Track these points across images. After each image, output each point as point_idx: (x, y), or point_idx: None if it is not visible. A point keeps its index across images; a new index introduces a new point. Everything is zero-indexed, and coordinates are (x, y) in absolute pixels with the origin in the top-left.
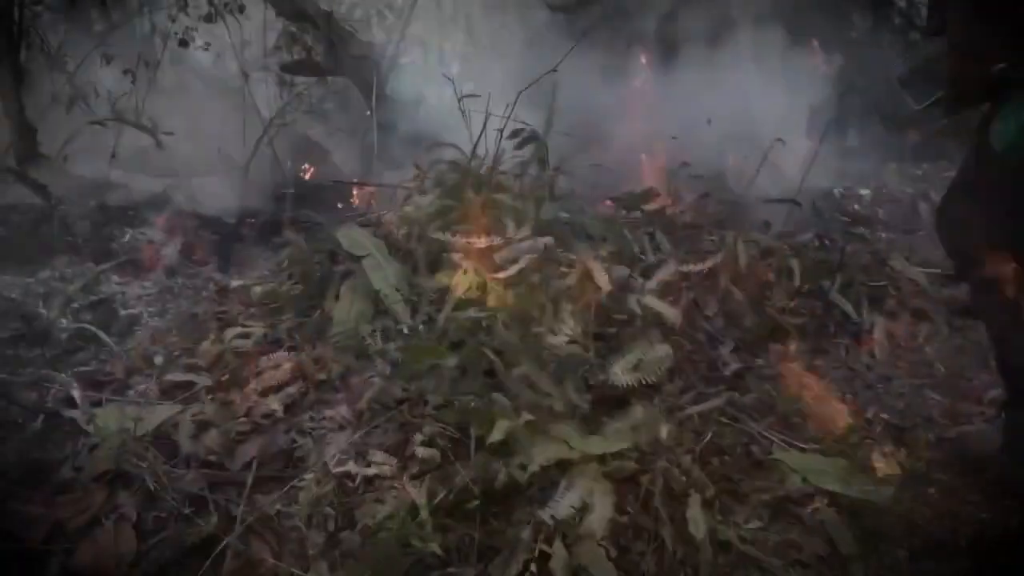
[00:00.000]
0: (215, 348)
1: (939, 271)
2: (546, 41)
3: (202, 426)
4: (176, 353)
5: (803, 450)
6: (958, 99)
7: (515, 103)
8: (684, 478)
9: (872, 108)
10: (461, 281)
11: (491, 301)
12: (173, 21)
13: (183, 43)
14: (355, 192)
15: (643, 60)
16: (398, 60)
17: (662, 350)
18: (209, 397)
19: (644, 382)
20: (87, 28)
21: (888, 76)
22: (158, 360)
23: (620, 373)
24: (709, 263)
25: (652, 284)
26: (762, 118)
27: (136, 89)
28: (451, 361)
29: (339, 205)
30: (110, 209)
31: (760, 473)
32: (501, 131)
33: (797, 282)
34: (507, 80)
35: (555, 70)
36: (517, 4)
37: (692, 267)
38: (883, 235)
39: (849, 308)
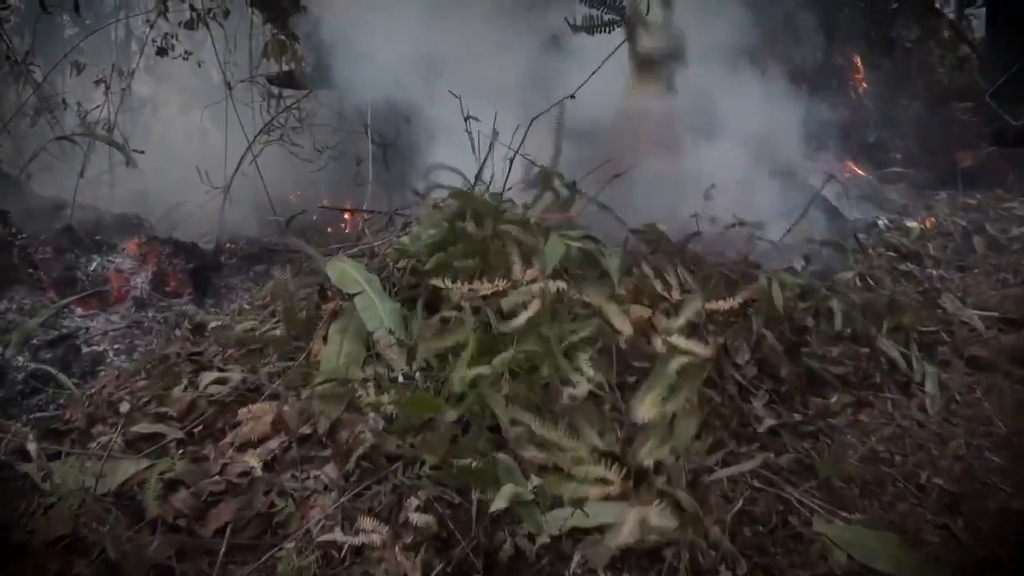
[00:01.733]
0: (188, 395)
1: (997, 314)
2: (562, 59)
3: (171, 485)
4: (144, 400)
5: (847, 521)
6: None
7: (527, 131)
8: (713, 552)
9: (919, 127)
10: (468, 341)
11: (497, 352)
12: (151, 27)
13: (161, 51)
14: (347, 218)
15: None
16: (398, 73)
17: (690, 358)
18: (179, 452)
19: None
20: (57, 34)
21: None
22: (124, 407)
23: (645, 409)
24: (738, 299)
25: (678, 322)
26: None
27: (109, 101)
28: (451, 415)
29: (329, 230)
30: (76, 233)
31: (799, 547)
32: (511, 160)
33: (839, 326)
34: (519, 99)
35: (573, 96)
36: (531, 18)
37: (720, 304)
38: (933, 272)
39: (897, 356)
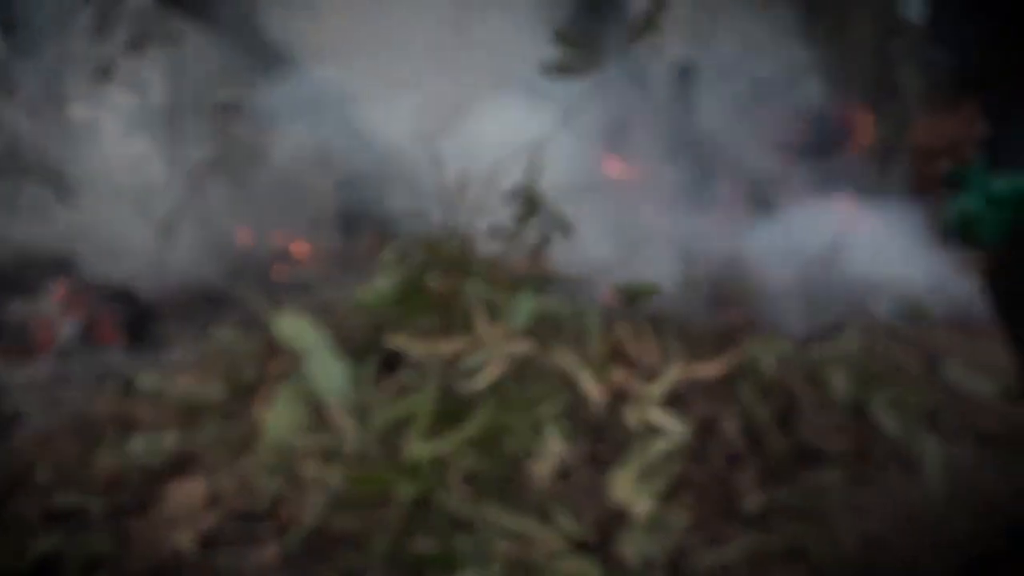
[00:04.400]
0: (113, 462)
1: (1007, 382)
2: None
3: (92, 564)
4: (65, 466)
5: None
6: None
7: (493, 176)
8: None
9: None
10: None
11: (459, 419)
12: (91, 47)
13: (101, 74)
14: (303, 263)
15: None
16: (366, 105)
17: (668, 442)
18: (103, 526)
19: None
20: None
21: None
22: (41, 475)
23: (623, 488)
24: (723, 364)
25: (656, 392)
26: None
27: (38, 128)
28: (406, 491)
29: (280, 274)
30: None
31: None
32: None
33: (836, 395)
34: (494, 139)
35: (546, 141)
36: (507, 55)
37: (703, 369)
38: (938, 334)
39: (897, 428)
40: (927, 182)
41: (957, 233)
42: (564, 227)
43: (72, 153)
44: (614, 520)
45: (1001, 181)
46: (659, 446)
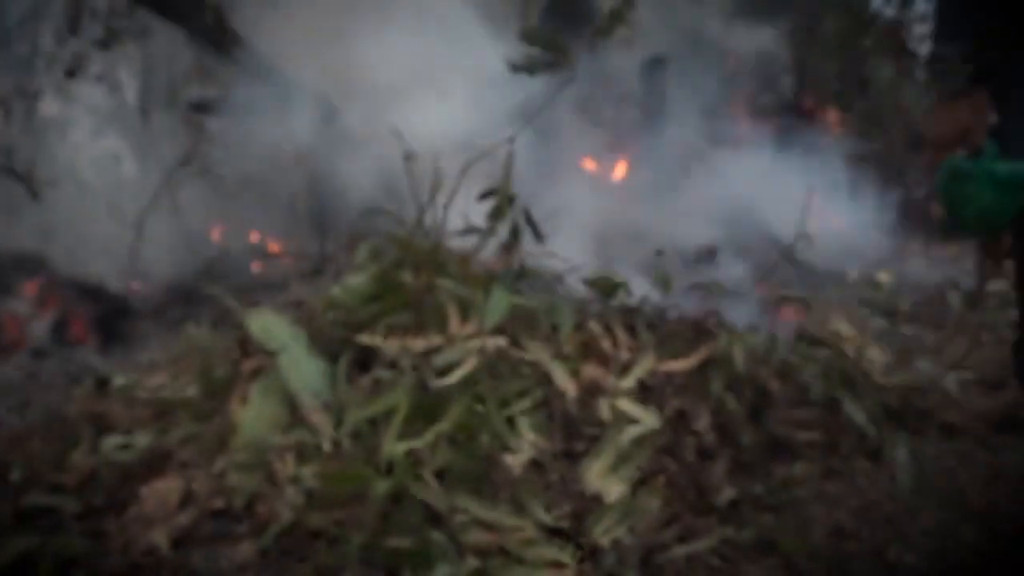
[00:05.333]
0: (88, 461)
1: (972, 376)
2: (507, 99)
3: (66, 565)
4: (39, 466)
5: None
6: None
7: (464, 173)
8: None
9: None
10: (399, 406)
11: (434, 416)
12: (60, 45)
13: (71, 72)
14: (276, 260)
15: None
16: (336, 106)
17: (641, 428)
18: (77, 526)
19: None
20: None
21: None
22: (14, 475)
23: (597, 478)
24: (694, 359)
25: (627, 383)
26: None
27: (9, 125)
28: (381, 488)
29: (254, 272)
30: None
31: None
32: (447, 205)
33: (807, 390)
34: (463, 138)
35: (513, 139)
36: (477, 56)
37: (675, 364)
38: (906, 330)
39: (865, 422)
40: (933, 169)
41: (962, 219)
42: (536, 233)
43: (44, 151)
44: (588, 509)
45: (1006, 167)
46: (631, 433)
